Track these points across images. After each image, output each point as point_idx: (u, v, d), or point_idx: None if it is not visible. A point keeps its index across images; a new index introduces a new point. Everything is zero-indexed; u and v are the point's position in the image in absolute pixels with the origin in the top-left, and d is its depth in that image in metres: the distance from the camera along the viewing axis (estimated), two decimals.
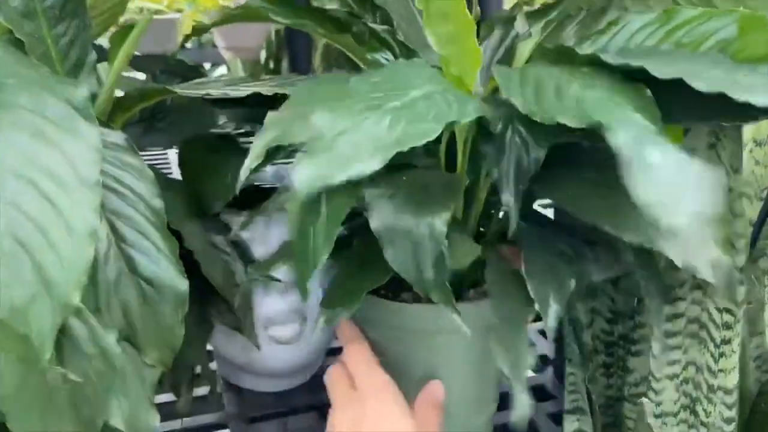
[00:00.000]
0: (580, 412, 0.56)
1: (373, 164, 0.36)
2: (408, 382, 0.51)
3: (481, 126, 0.45)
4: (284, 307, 0.60)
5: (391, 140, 0.37)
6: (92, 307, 0.40)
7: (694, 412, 0.49)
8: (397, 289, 0.51)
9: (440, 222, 0.42)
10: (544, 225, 0.53)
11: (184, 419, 0.64)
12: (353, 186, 0.40)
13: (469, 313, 0.49)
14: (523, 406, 0.38)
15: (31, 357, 0.32)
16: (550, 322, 0.41)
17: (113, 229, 0.43)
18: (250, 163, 0.41)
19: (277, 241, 0.59)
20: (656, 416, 0.50)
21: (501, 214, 0.53)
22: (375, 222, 0.42)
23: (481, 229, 0.54)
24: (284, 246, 0.55)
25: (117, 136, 0.45)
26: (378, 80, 0.40)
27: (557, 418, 0.63)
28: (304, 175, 0.37)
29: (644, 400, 0.49)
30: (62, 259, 0.33)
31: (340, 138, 0.37)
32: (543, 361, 0.72)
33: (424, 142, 0.37)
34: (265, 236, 0.59)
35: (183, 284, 0.43)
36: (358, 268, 0.48)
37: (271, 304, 0.60)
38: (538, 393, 0.67)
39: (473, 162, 0.49)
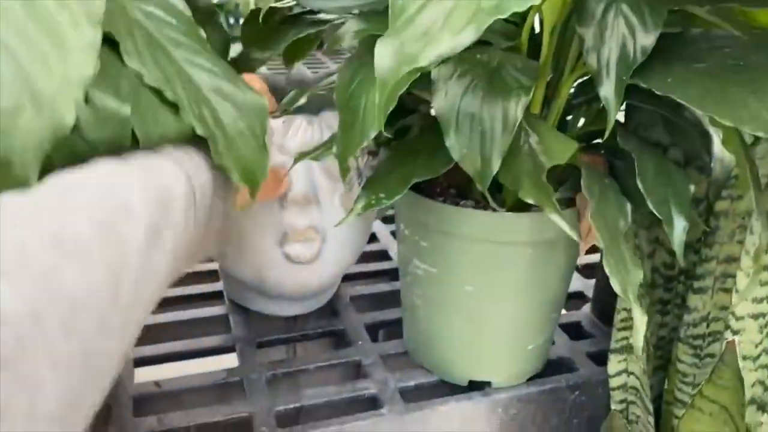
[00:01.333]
0: (628, 351, 0.51)
1: (466, 37, 0.30)
2: (457, 293, 0.48)
3: (577, 7, 0.38)
4: (303, 222, 0.53)
5: (491, 5, 0.30)
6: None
7: None
8: (458, 196, 0.47)
9: (516, 107, 0.36)
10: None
11: (190, 341, 0.57)
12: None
13: (532, 224, 0.44)
14: (639, 324, 0.33)
15: (9, 180, 0.25)
16: (677, 239, 0.35)
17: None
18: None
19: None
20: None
21: (581, 121, 0.46)
22: (438, 102, 0.37)
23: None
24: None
25: None
26: None
27: (596, 358, 0.57)
28: (385, 58, 0.31)
29: (735, 337, 0.43)
30: (53, 72, 0.26)
31: (424, 11, 0.31)
32: (579, 297, 0.67)
33: (527, 6, 0.30)
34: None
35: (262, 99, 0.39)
36: (411, 155, 0.42)
37: (288, 218, 0.52)
38: (574, 331, 0.61)
39: (557, 54, 0.42)
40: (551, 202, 0.35)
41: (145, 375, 0.54)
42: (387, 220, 0.79)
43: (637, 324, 0.37)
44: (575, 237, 0.37)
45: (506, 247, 0.46)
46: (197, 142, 0.35)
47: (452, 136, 0.37)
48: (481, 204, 0.46)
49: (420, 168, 0.41)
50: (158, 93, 0.33)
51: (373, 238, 0.76)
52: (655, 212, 0.39)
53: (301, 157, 0.45)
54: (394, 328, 0.59)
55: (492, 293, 0.48)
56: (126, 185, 0.29)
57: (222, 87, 0.37)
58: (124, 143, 0.32)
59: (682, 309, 0.51)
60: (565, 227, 0.36)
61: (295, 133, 0.51)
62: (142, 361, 0.54)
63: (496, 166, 0.36)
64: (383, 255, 0.72)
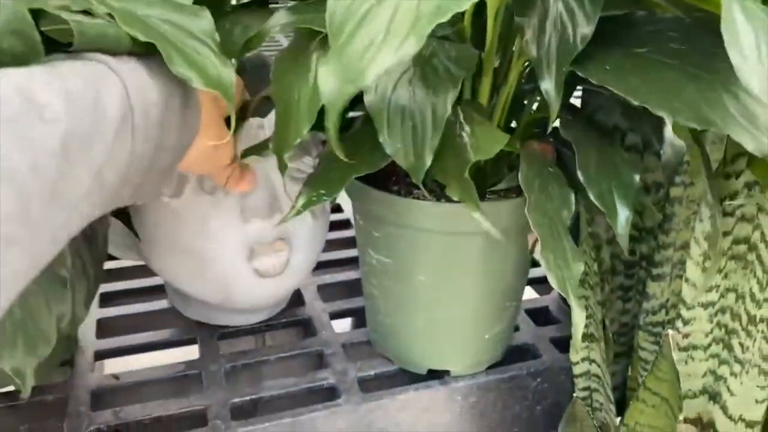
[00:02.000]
0: (590, 338, 0.50)
1: (409, 48, 0.29)
2: (411, 284, 0.48)
3: None
4: (271, 234, 0.50)
5: (430, 8, 0.29)
6: None
7: (728, 346, 0.43)
8: (412, 185, 0.46)
9: (444, 101, 0.36)
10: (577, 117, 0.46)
11: (151, 333, 0.57)
12: None
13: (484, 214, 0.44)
14: (578, 320, 0.33)
15: None
16: (621, 229, 0.35)
17: None
18: None
19: None
20: (682, 349, 0.44)
21: (534, 105, 0.45)
22: (369, 96, 0.37)
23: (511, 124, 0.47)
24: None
25: None
26: None
27: (560, 344, 0.57)
28: (330, 81, 0.30)
29: (669, 331, 0.43)
30: None
31: (363, 25, 0.30)
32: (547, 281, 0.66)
33: (466, 6, 0.29)
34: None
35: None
36: (351, 150, 0.41)
37: (254, 232, 0.49)
38: (542, 316, 0.61)
39: (505, 40, 0.41)
40: (472, 199, 0.35)
41: (108, 368, 0.55)
42: None
43: (576, 320, 0.36)
44: (493, 233, 0.36)
45: (457, 237, 0.46)
46: (148, 59, 0.34)
47: (385, 131, 0.36)
48: (435, 192, 0.45)
49: (360, 164, 0.40)
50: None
51: (346, 224, 0.75)
52: (597, 203, 0.38)
53: (245, 154, 0.44)
54: (361, 317, 0.59)
55: (445, 283, 0.48)
56: (42, 86, 0.28)
57: (165, 14, 0.37)
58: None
59: (642, 296, 0.51)
60: (486, 224, 0.35)
61: (247, 139, 0.47)
62: (102, 354, 0.55)
63: (428, 160, 0.36)
64: (352, 242, 0.72)
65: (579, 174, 0.38)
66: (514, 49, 0.43)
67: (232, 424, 0.47)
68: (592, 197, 0.38)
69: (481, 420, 0.53)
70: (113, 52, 0.33)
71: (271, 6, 0.50)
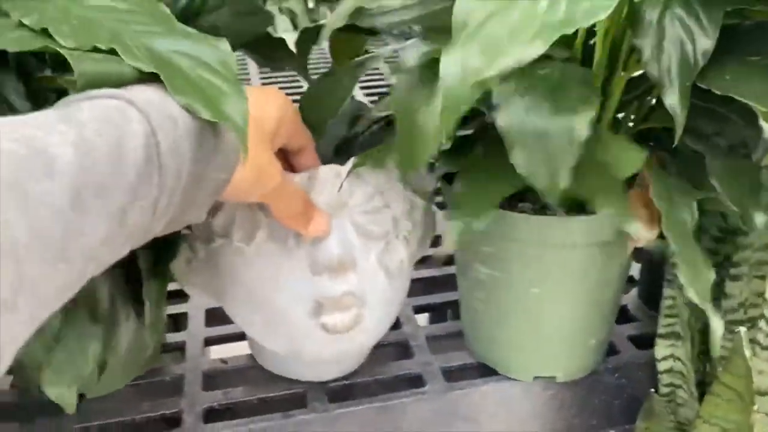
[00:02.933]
0: (675, 337, 0.52)
1: (534, 50, 0.31)
2: (523, 296, 0.50)
3: (631, 15, 0.39)
4: (339, 288, 0.48)
5: (555, 20, 0.31)
6: None
7: None
8: (513, 200, 0.47)
9: (583, 123, 0.37)
10: None
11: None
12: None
13: (590, 227, 0.47)
14: (716, 326, 0.35)
15: None
16: (760, 231, 0.37)
17: None
18: (333, 22, 0.36)
19: None
20: (765, 348, 0.45)
21: (632, 115, 0.48)
22: (503, 120, 0.38)
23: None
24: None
25: None
26: None
27: (637, 341, 0.59)
28: (451, 68, 0.32)
29: (741, 329, 0.44)
30: None
31: (490, 21, 0.32)
32: (629, 281, 0.68)
33: (593, 21, 0.31)
34: None
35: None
36: (486, 172, 0.43)
37: (322, 286, 0.48)
38: (620, 315, 0.62)
39: (611, 55, 0.43)
40: (628, 212, 0.37)
41: (216, 353, 0.60)
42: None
43: (715, 329, 0.38)
44: (651, 238, 0.39)
45: (573, 249, 0.48)
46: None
47: (518, 153, 0.37)
48: (539, 206, 0.48)
49: (501, 185, 0.42)
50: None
51: None
52: (734, 207, 0.40)
53: (357, 164, 0.45)
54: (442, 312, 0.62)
55: (557, 294, 0.50)
56: (55, 135, 0.27)
57: (176, 44, 0.37)
58: None
59: (721, 295, 0.52)
60: (644, 234, 0.38)
61: (322, 189, 0.47)
62: (210, 341, 0.60)
63: (564, 181, 0.37)
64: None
65: (714, 183, 0.40)
66: (618, 64, 0.45)
67: (329, 406, 0.52)
68: (729, 202, 0.40)
69: (559, 412, 0.56)
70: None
71: None
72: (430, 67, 0.40)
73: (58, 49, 0.34)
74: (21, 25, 0.35)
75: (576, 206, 0.46)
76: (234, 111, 0.35)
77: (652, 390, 0.53)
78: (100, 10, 0.38)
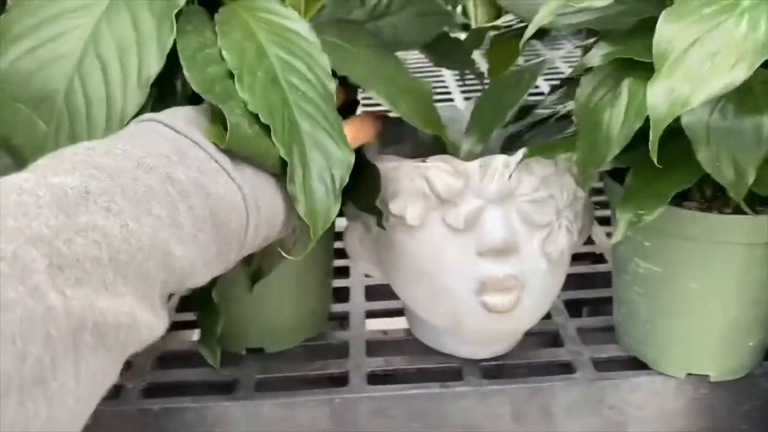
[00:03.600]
0: None
1: (737, 76, 0.33)
2: (682, 292, 0.51)
3: None
4: (502, 270, 0.51)
5: (756, 45, 0.33)
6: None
7: None
8: (677, 198, 0.48)
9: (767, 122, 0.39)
10: None
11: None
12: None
13: (754, 226, 0.48)
14: None
15: None
16: None
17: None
18: (540, 19, 0.39)
19: None
20: None
21: None
22: (687, 119, 0.40)
23: None
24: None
25: (301, 25, 0.46)
26: None
27: None
28: (657, 98, 0.34)
29: None
30: None
31: (691, 49, 0.34)
32: None
33: None
34: None
35: (351, 156, 0.44)
36: (657, 169, 0.43)
37: (486, 267, 0.51)
38: None
39: None
40: None
41: (373, 326, 0.66)
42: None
43: None
44: None
45: (733, 247, 0.49)
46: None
47: (703, 149, 0.40)
48: (705, 204, 0.50)
49: (674, 180, 0.44)
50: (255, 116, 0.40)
51: None
52: None
53: (527, 155, 0.49)
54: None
55: (716, 291, 0.51)
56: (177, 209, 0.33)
57: (319, 136, 0.43)
58: None
59: None
60: None
61: (492, 178, 0.50)
62: (371, 314, 0.66)
63: (751, 178, 0.39)
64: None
65: None
66: None
67: (483, 382, 0.55)
68: None
69: (709, 412, 0.56)
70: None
71: None
72: (615, 67, 0.43)
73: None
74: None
75: (740, 207, 0.46)
76: (322, 218, 0.42)
77: None
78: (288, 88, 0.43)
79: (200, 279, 0.36)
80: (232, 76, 0.41)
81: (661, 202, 0.43)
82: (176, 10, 0.42)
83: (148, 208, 0.31)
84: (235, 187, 0.37)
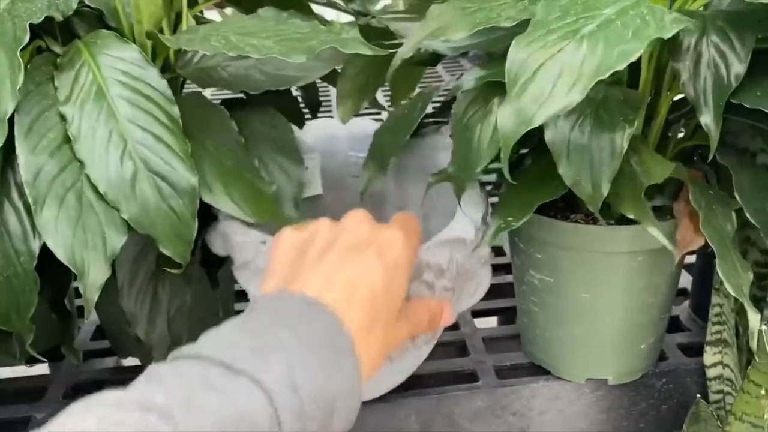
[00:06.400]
0: (723, 344, 0.54)
1: (573, 98, 0.36)
2: (573, 300, 0.54)
3: (669, 42, 0.43)
4: None
5: (591, 69, 0.36)
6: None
7: None
8: (566, 211, 0.52)
9: (622, 138, 0.42)
10: None
11: None
12: None
13: (638, 235, 0.50)
14: (754, 323, 0.39)
15: None
16: None
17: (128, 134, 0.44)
18: (405, 50, 0.42)
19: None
20: None
21: (680, 133, 0.51)
22: (550, 135, 0.43)
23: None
24: None
25: (132, 52, 0.46)
26: (566, 2, 0.39)
27: (686, 350, 0.61)
28: (507, 119, 0.37)
29: (765, 327, 0.46)
30: None
31: (538, 73, 0.37)
32: (680, 294, 0.70)
33: (625, 65, 0.36)
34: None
35: (194, 179, 0.44)
36: (531, 181, 0.48)
37: None
38: (671, 325, 0.65)
39: (656, 77, 0.47)
40: (649, 218, 0.41)
41: None
42: None
43: (752, 324, 0.41)
44: (669, 247, 0.42)
45: (616, 256, 0.51)
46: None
47: (564, 165, 0.42)
48: (590, 217, 0.52)
49: (541, 192, 0.46)
50: None
51: None
52: (752, 221, 0.44)
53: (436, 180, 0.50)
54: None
55: (607, 299, 0.53)
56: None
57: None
58: None
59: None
60: (662, 239, 0.42)
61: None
62: None
63: (605, 190, 0.41)
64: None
65: (736, 194, 0.44)
66: (662, 86, 0.48)
67: (390, 396, 0.57)
68: (748, 215, 0.44)
69: (608, 413, 0.59)
70: None
71: None
72: (485, 89, 0.46)
73: None
74: None
75: (623, 217, 0.49)
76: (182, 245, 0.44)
77: (699, 396, 0.55)
78: None
79: None
80: None
81: (527, 211, 0.45)
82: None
83: None
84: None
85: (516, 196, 0.47)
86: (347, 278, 0.36)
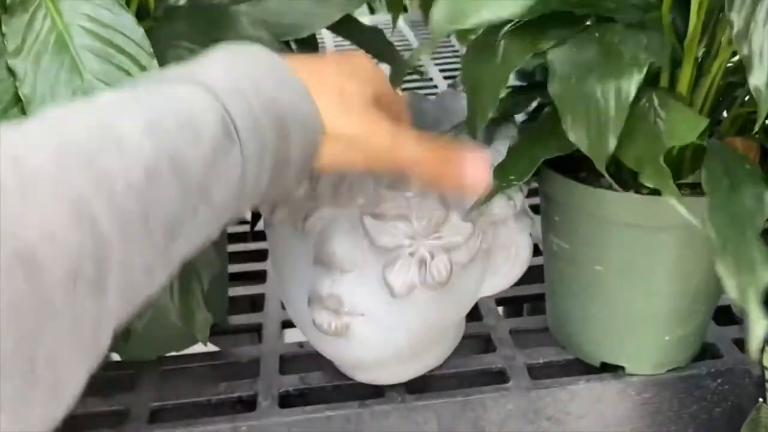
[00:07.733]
0: None
1: (513, 11, 0.34)
2: (587, 272, 0.48)
3: None
4: (326, 287, 0.43)
5: None
6: None
7: None
8: (599, 174, 0.44)
9: (628, 84, 0.36)
10: None
11: None
12: (528, 33, 0.38)
13: (653, 207, 0.43)
14: (757, 332, 0.31)
15: None
16: None
17: None
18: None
19: None
20: None
21: (739, 101, 0.44)
22: (553, 86, 0.38)
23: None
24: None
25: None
26: None
27: (743, 345, 0.54)
28: (441, 14, 0.36)
29: None
30: None
31: None
32: None
33: None
34: None
35: None
36: (537, 137, 0.43)
37: (313, 278, 0.44)
38: (723, 316, 0.58)
39: (711, 30, 0.40)
40: (668, 186, 0.34)
41: (291, 337, 0.59)
42: None
43: (755, 332, 0.32)
44: (695, 223, 0.34)
45: (642, 230, 0.45)
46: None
47: (568, 118, 0.37)
48: (627, 184, 0.45)
49: (548, 148, 0.41)
50: None
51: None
52: None
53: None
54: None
55: (625, 277, 0.47)
56: (121, 114, 0.27)
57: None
58: None
59: None
60: (684, 212, 0.34)
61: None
62: (287, 324, 0.59)
63: (611, 146, 0.36)
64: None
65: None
66: (718, 41, 0.41)
67: (407, 398, 0.50)
68: None
69: (654, 417, 0.52)
70: None
71: None
72: (490, 35, 0.41)
73: None
74: None
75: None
76: None
77: (761, 400, 0.49)
78: None
79: None
80: None
81: (531, 167, 0.40)
82: None
83: None
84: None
85: (521, 152, 0.42)
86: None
